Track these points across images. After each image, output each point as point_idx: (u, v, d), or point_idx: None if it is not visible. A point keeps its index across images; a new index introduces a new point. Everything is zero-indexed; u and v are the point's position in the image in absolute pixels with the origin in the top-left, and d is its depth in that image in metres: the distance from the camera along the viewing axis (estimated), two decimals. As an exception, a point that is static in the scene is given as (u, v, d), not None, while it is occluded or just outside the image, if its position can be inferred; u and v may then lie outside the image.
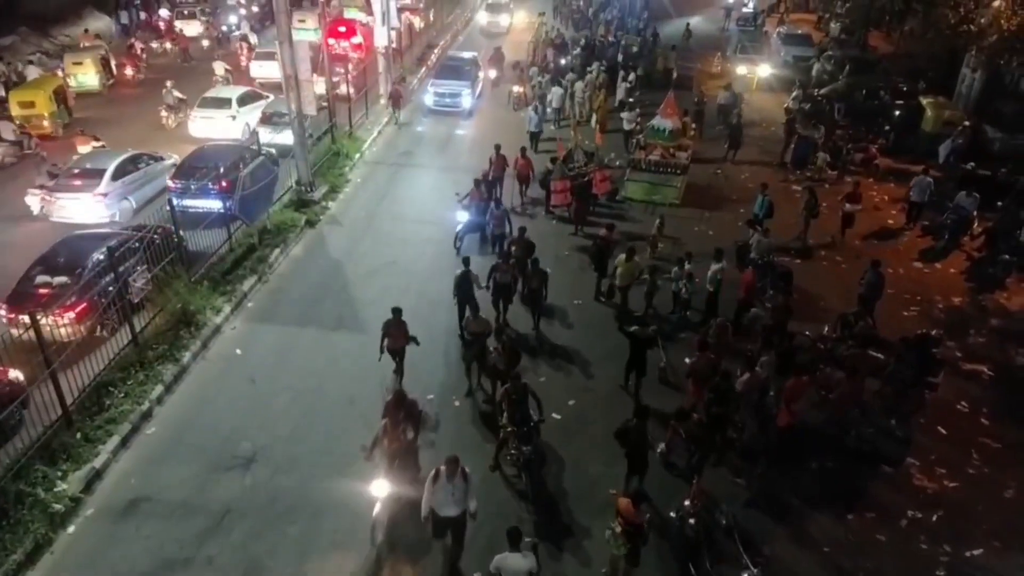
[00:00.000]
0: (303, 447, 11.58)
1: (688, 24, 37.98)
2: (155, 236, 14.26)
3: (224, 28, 36.55)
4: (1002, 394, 13.38)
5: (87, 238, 14.64)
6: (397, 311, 12.27)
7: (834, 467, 11.58)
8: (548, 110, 26.03)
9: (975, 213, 18.16)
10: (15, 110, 23.59)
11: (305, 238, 18.17)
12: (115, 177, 18.11)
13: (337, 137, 23.22)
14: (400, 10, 31.24)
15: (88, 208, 17.67)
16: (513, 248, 15.28)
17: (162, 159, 20.11)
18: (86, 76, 27.92)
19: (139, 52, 31.86)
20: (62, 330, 12.14)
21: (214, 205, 16.33)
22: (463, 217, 17.39)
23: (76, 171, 18.32)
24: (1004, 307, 16.13)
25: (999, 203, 18.60)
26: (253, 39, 34.40)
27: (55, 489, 10.25)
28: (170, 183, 17.94)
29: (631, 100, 25.26)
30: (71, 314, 12.58)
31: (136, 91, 29.23)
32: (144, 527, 10.15)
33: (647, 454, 10.51)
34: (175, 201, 15.36)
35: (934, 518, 10.73)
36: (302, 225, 18.35)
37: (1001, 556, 10.23)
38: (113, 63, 29.84)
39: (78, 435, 11.16)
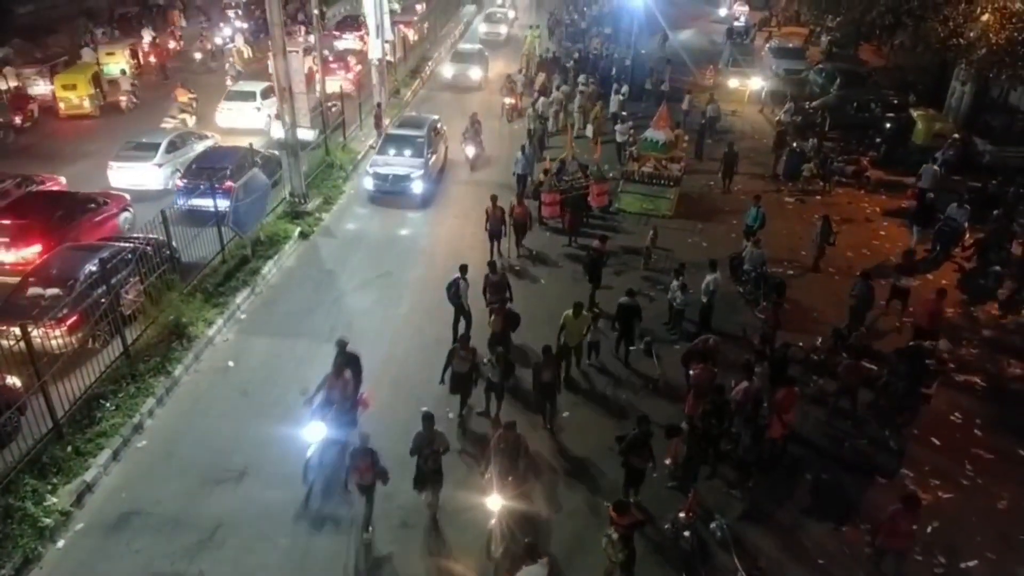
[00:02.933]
0: (295, 460, 11.48)
1: (664, 30, 38.24)
2: (147, 247, 14.30)
3: (218, 40, 36.58)
4: (995, 404, 13.40)
5: (80, 250, 14.64)
6: (364, 438, 9.95)
7: (828, 478, 11.57)
8: (550, 125, 25.77)
9: (966, 224, 18.27)
10: (59, 92, 26.36)
11: (298, 249, 18.14)
12: (168, 151, 20.45)
13: (331, 148, 23.25)
14: (395, 23, 31.37)
15: (145, 176, 19.92)
16: (492, 318, 13.33)
17: (206, 137, 22.57)
18: (117, 65, 30.69)
19: (179, 36, 36.42)
20: (53, 342, 12.05)
21: (220, 205, 16.53)
22: (315, 432, 10.78)
23: (134, 144, 20.55)
24: (995, 318, 16.18)
25: (995, 211, 18.68)
26: (247, 52, 34.54)
27: (45, 503, 10.16)
28: (179, 182, 18.79)
29: (624, 113, 25.38)
30: (63, 326, 12.51)
31: (156, 79, 31.78)
32: (135, 541, 10.06)
33: (645, 465, 10.46)
34: (182, 200, 16.88)
35: (928, 529, 10.69)
36: (295, 236, 18.33)
37: (996, 568, 10.22)
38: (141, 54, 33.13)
39: (68, 448, 11.07)
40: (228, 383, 13.30)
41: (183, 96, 25.95)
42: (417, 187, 20.44)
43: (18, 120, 25.18)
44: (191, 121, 25.33)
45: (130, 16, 40.40)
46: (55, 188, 19.07)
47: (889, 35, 28.76)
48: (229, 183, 17.42)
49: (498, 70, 34.01)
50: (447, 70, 33.60)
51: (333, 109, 24.83)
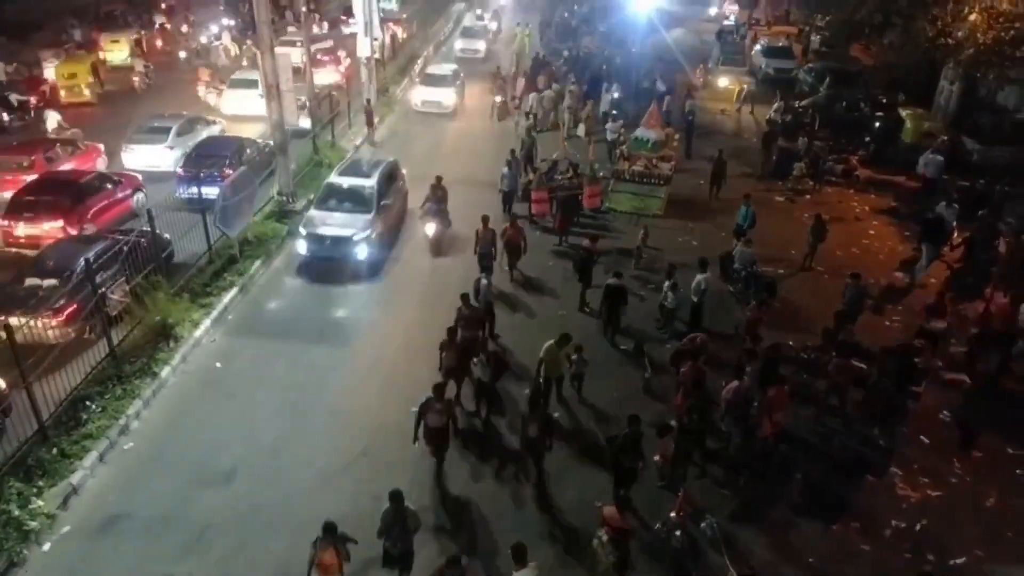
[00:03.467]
0: (284, 461, 11.44)
1: (646, 26, 38.30)
2: (141, 240, 14.54)
3: (203, 40, 36.32)
4: (983, 403, 13.43)
5: (76, 242, 15.03)
6: (329, 528, 8.56)
7: (818, 477, 11.58)
8: (540, 125, 25.56)
9: (954, 223, 18.34)
10: (60, 81, 27.95)
11: (286, 249, 18.00)
12: (179, 134, 21.69)
13: (319, 147, 23.13)
14: (383, 21, 31.26)
15: (157, 157, 21.09)
16: (443, 353, 12.02)
17: (214, 123, 23.95)
18: (122, 53, 32.71)
19: (191, 20, 39.16)
20: (50, 332, 12.19)
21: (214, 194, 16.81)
22: None
23: (147, 128, 21.93)
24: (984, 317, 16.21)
25: (980, 212, 18.78)
26: (234, 49, 34.40)
27: (30, 506, 10.05)
28: (179, 171, 19.35)
29: (614, 112, 25.35)
30: (60, 316, 12.65)
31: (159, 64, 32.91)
32: (122, 544, 9.96)
33: (636, 465, 10.45)
34: (182, 188, 17.77)
35: (917, 527, 10.75)
36: (284, 236, 18.21)
37: (984, 565, 10.25)
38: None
39: (54, 451, 10.96)
40: (215, 384, 13.19)
41: (205, 76, 28.22)
42: (362, 251, 16.39)
43: (34, 100, 26.52)
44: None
45: (116, 13, 40.07)
46: (81, 165, 20.61)
47: (878, 34, 28.82)
48: (228, 171, 18.28)
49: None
50: (416, 95, 28.92)
51: (332, 95, 25.58)
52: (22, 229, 16.42)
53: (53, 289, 12.95)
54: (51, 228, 16.36)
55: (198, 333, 14.24)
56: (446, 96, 28.39)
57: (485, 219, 15.94)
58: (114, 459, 11.39)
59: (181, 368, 13.48)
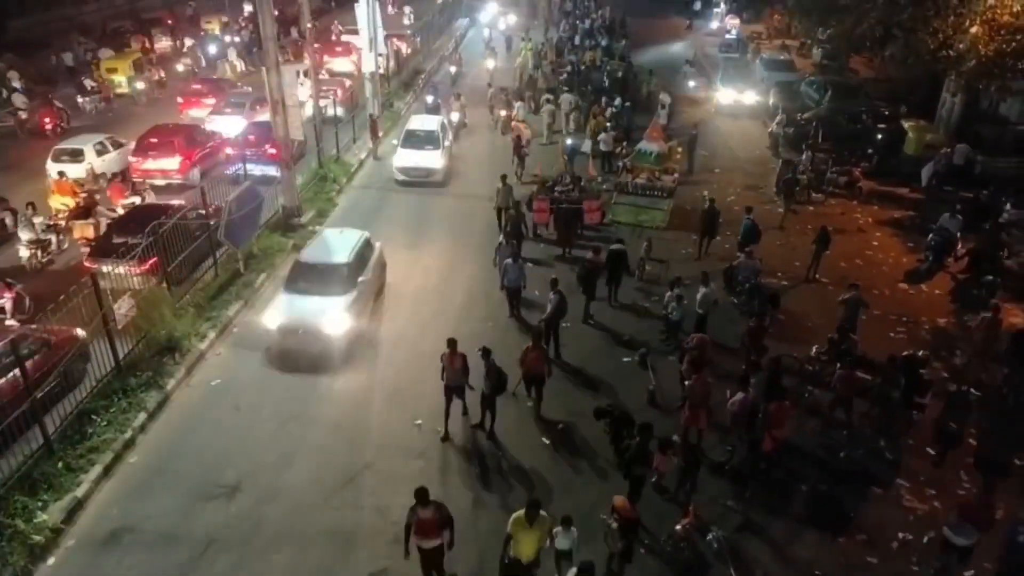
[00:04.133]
0: (288, 475, 11.44)
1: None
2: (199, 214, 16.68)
3: (201, 58, 36.72)
4: (989, 414, 13.37)
5: (155, 206, 17.23)
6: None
7: (824, 489, 11.53)
8: (544, 136, 25.47)
9: (958, 234, 18.33)
10: (104, 75, 31.05)
11: (292, 263, 18.01)
12: (251, 108, 26.26)
13: (324, 161, 23.27)
14: (387, 36, 31.45)
15: (233, 126, 25.07)
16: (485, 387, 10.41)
17: None
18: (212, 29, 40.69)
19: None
20: (135, 280, 14.07)
21: (268, 170, 20.61)
22: None
23: (229, 101, 27.04)
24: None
25: (986, 225, 18.77)
26: (240, 65, 34.70)
27: (35, 520, 10.08)
28: (230, 151, 22.78)
29: (608, 124, 25.39)
30: (144, 266, 14.33)
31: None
32: (126, 558, 9.97)
33: (643, 474, 10.45)
34: (232, 168, 20.91)
35: (924, 540, 10.68)
36: (289, 249, 18.27)
37: (993, 578, 10.19)
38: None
39: (59, 464, 10.98)
40: (220, 398, 13.21)
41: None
42: None
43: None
44: None
45: (123, 30, 40.46)
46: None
47: (880, 47, 28.90)
48: (271, 152, 21.06)
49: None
50: (272, 315, 14.12)
51: (347, 84, 28.54)
52: (147, 164, 21.46)
53: (136, 245, 14.23)
54: (170, 164, 21.47)
55: (203, 346, 14.29)
56: (332, 322, 13.85)
57: (452, 343, 11.92)
58: (119, 473, 11.41)
59: (187, 381, 13.52)
